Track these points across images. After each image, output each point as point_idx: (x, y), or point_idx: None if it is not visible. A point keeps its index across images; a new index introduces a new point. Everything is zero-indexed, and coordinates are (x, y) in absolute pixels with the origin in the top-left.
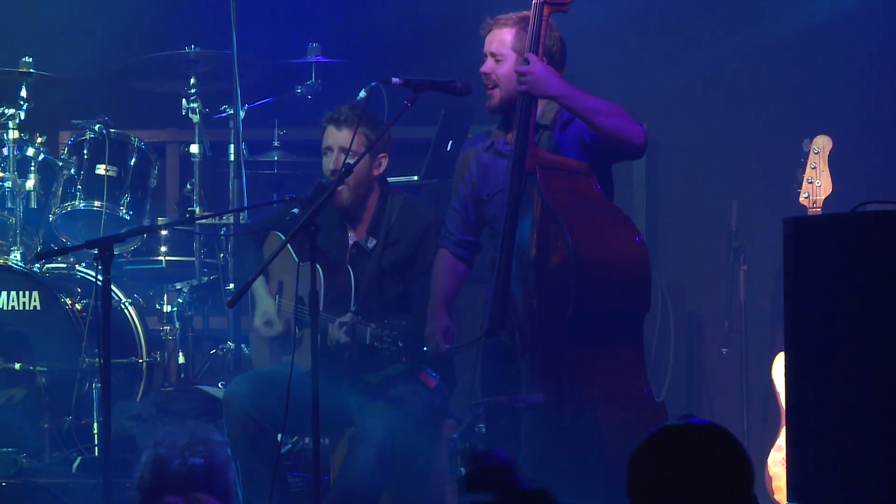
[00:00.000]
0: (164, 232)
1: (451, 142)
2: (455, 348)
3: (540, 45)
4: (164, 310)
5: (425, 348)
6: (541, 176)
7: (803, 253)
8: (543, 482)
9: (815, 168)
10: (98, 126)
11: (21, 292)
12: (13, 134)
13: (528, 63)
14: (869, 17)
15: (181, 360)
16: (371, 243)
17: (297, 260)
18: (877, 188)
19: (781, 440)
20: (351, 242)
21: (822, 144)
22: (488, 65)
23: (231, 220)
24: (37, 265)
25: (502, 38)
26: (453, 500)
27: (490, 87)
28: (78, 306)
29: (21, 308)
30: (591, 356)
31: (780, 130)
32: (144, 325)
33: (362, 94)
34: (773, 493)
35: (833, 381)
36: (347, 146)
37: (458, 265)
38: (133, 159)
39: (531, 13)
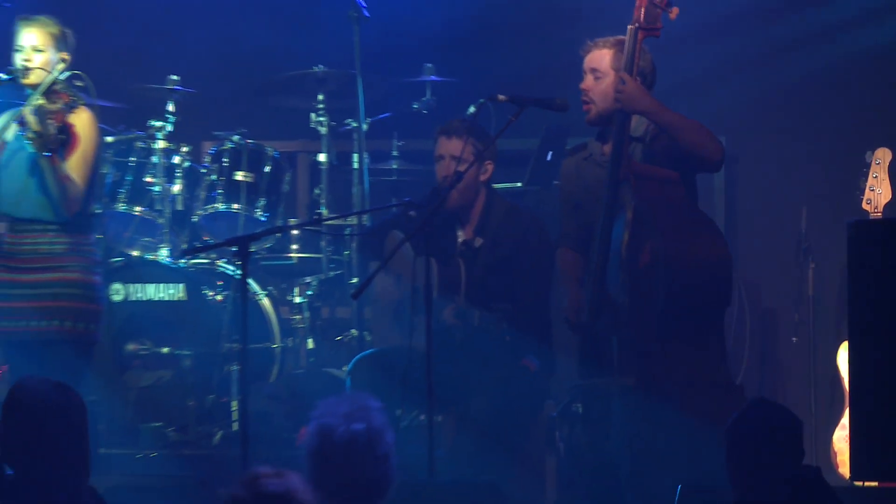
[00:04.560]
0: (295, 232)
1: (551, 153)
2: (588, 326)
3: (634, 65)
4: (295, 301)
5: (566, 318)
6: (634, 183)
7: (865, 252)
8: (637, 457)
9: (876, 177)
10: (237, 137)
11: (169, 285)
12: (161, 144)
13: (624, 82)
14: None
15: (310, 345)
16: (478, 242)
17: (414, 255)
18: None
19: (845, 420)
20: (460, 240)
21: (882, 156)
22: (587, 81)
23: (355, 221)
24: (182, 261)
25: (601, 58)
26: (552, 472)
27: (587, 101)
28: (219, 297)
29: (169, 299)
30: (678, 344)
31: (846, 143)
32: (278, 315)
33: (472, 109)
34: (838, 467)
35: (892, 366)
36: (458, 155)
37: (578, 259)
38: (268, 167)
39: (627, 37)
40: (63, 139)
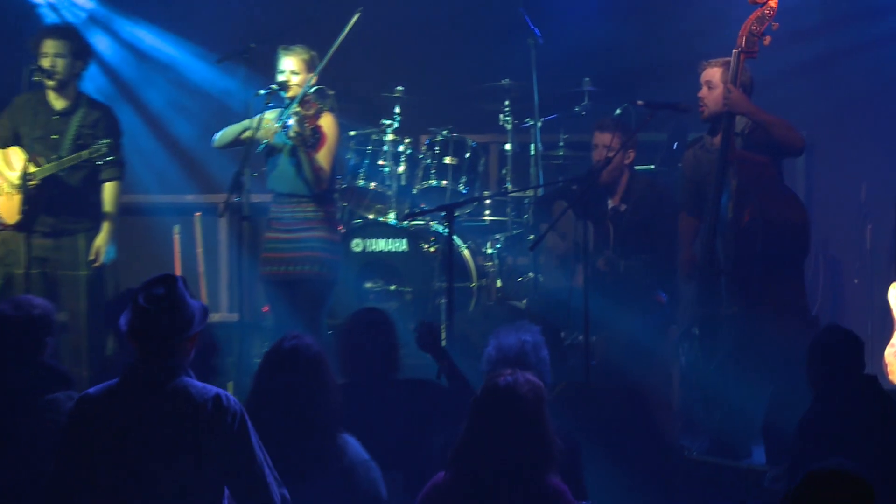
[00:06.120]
0: (487, 201)
1: (675, 143)
2: (702, 269)
3: (738, 79)
4: (488, 251)
5: (679, 271)
6: (737, 165)
7: None
8: (742, 367)
9: None
10: (445, 131)
11: (395, 240)
12: (390, 136)
13: (730, 91)
14: None
15: (498, 284)
16: (623, 208)
17: (575, 219)
18: None
19: (894, 339)
20: (610, 207)
21: None
22: (703, 91)
23: (531, 193)
24: (405, 222)
25: (713, 74)
26: (676, 378)
27: (702, 105)
28: (431, 249)
29: (395, 250)
30: (770, 283)
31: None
32: (475, 262)
33: (618, 111)
34: (888, 375)
35: None
36: (608, 144)
37: (693, 221)
38: (468, 153)
39: (732, 59)
40: (317, 139)
